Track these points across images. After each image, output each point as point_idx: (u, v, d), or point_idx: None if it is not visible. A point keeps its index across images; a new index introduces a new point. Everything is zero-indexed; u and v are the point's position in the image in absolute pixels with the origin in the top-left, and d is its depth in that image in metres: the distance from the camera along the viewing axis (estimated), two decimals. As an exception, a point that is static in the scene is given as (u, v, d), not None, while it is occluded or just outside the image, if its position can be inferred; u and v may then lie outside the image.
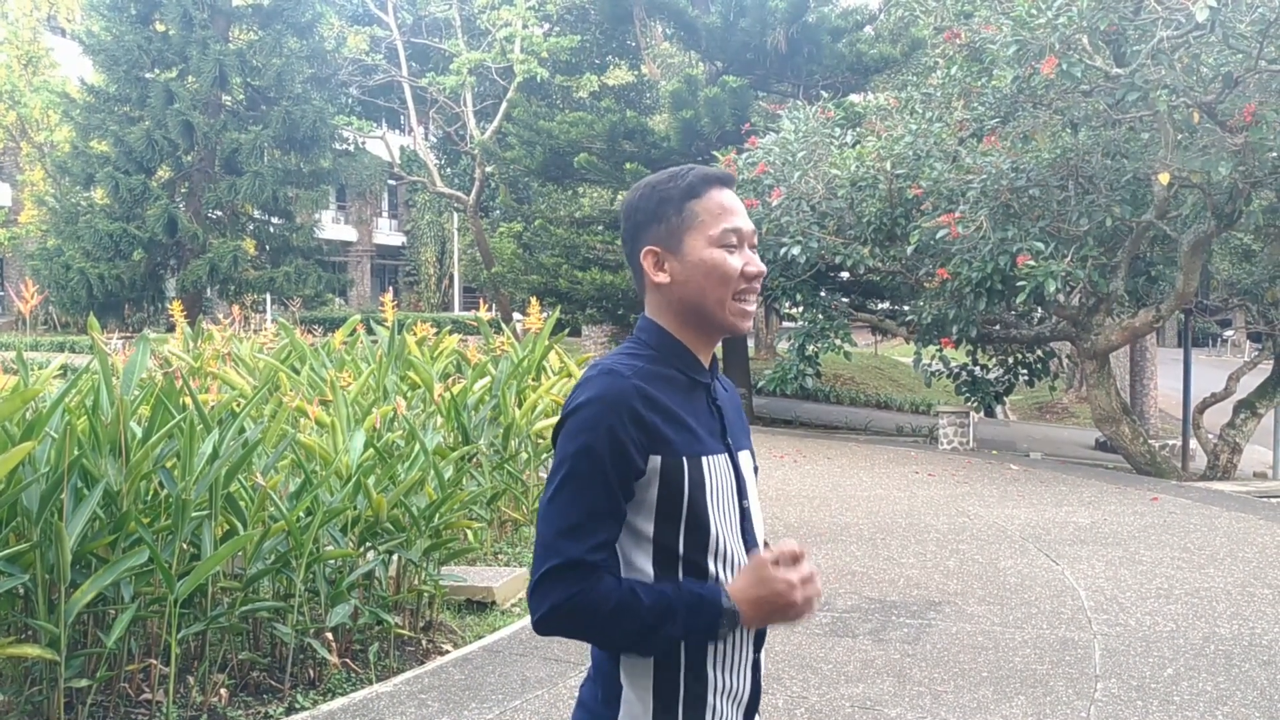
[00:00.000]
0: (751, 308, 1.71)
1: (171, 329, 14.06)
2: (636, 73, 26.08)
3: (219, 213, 25.65)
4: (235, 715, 4.27)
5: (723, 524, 1.65)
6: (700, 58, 21.20)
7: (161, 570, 3.95)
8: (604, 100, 21.44)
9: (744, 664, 1.69)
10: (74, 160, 24.70)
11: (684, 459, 1.61)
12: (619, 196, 22.20)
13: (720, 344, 1.83)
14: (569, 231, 21.29)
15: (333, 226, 40.00)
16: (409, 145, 32.83)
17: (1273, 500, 10.91)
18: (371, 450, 5.16)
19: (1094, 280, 12.09)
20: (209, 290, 25.82)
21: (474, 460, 7.00)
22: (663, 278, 1.69)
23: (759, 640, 1.71)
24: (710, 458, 1.65)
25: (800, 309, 15.13)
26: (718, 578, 1.64)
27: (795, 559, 1.59)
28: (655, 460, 1.59)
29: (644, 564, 1.62)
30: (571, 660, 5.06)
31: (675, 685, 1.63)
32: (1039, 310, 13.83)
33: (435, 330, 10.45)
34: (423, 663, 5.10)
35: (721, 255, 1.67)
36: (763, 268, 1.71)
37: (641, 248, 1.71)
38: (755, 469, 1.82)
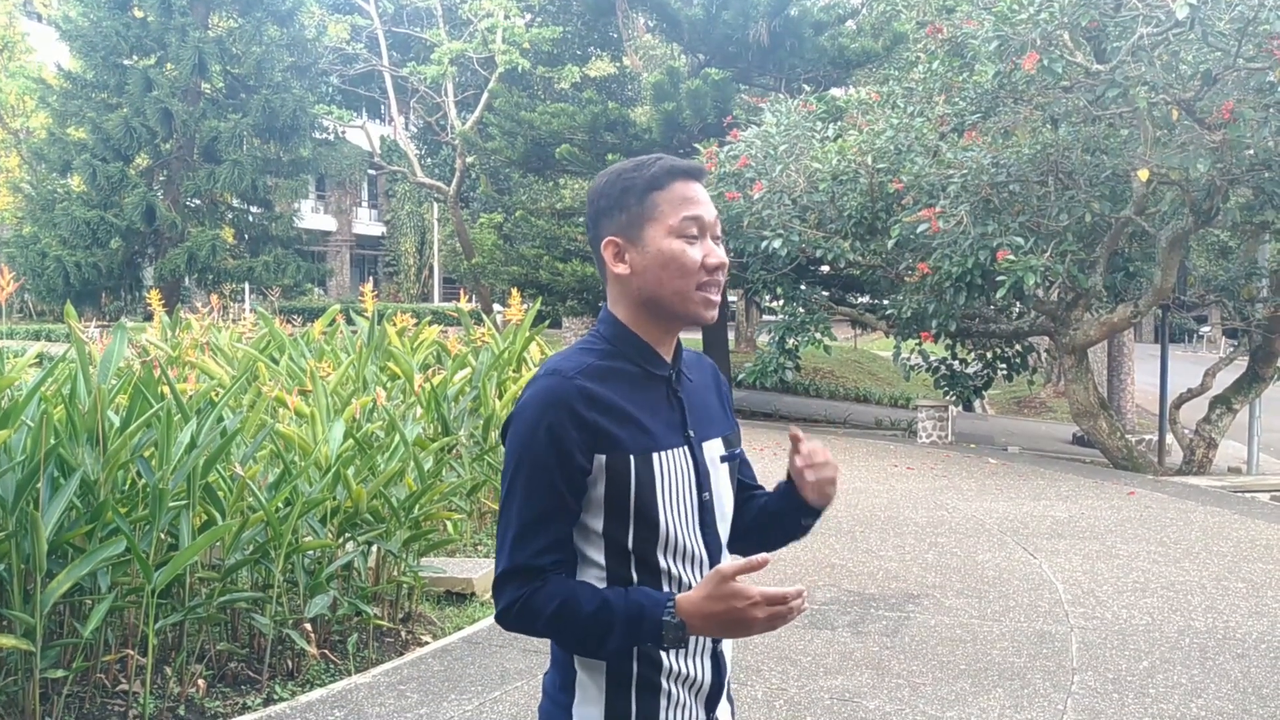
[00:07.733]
0: (716, 298, 1.67)
1: (149, 318, 13.97)
2: (619, 64, 26.01)
3: (197, 201, 25.46)
4: (213, 706, 4.26)
5: (675, 519, 1.64)
6: (682, 50, 21.16)
7: (139, 560, 3.93)
8: (586, 91, 21.39)
9: (700, 651, 1.67)
10: (51, 147, 24.49)
11: (631, 457, 1.60)
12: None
13: (701, 336, 1.80)
14: (550, 223, 21.22)
15: (312, 216, 39.82)
16: (389, 135, 32.69)
17: (1247, 495, 11.01)
18: (351, 441, 5.14)
19: (1073, 275, 12.15)
20: (187, 279, 25.65)
21: (454, 451, 6.99)
22: (622, 269, 1.66)
23: None
24: (663, 453, 1.63)
25: (780, 302, 15.13)
26: (669, 572, 1.64)
27: (757, 567, 1.49)
28: (600, 459, 1.58)
29: (597, 557, 1.63)
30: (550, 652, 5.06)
31: (628, 668, 1.63)
32: (1018, 305, 13.89)
33: (415, 321, 10.42)
34: (402, 654, 5.09)
35: (681, 246, 1.63)
36: (724, 258, 1.66)
37: (603, 236, 1.68)
38: (737, 454, 1.78)
